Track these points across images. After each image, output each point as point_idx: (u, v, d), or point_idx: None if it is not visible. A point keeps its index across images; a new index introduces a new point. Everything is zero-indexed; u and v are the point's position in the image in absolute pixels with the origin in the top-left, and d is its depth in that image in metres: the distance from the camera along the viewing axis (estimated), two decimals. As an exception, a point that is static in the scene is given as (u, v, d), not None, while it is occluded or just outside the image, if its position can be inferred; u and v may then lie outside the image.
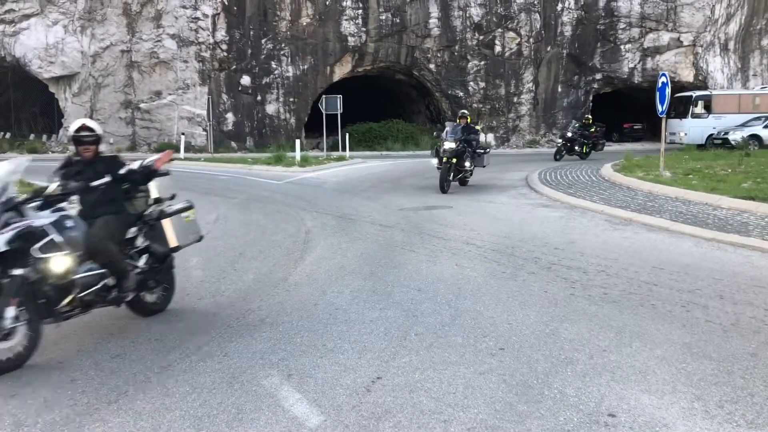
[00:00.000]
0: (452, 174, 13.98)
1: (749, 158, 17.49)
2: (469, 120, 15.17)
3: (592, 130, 24.74)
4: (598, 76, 33.90)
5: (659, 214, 10.02)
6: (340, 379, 4.07)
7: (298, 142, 24.19)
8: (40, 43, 28.22)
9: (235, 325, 5.22)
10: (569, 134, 23.99)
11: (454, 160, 13.87)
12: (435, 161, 14.60)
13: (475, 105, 32.58)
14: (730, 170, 14.79)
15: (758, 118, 26.27)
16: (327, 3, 29.98)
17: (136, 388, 4.01)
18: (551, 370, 4.16)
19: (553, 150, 25.23)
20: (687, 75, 33.05)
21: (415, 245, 8.29)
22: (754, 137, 24.87)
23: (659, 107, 14.73)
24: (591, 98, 34.63)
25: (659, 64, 32.55)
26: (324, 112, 26.64)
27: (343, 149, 26.86)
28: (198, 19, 28.78)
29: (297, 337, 4.87)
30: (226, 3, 29.04)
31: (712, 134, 26.54)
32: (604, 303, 5.60)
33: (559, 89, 33.78)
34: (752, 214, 9.59)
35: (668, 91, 14.57)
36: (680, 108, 27.26)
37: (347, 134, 27.51)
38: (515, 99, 33.15)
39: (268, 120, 30.36)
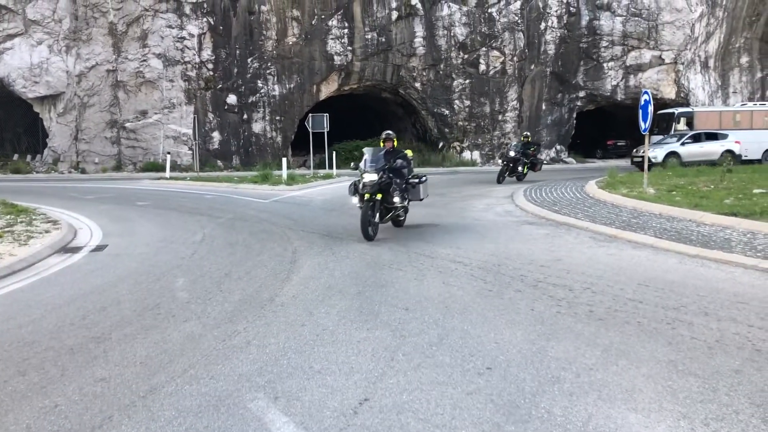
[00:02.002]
0: (378, 214, 10.25)
1: (731, 174, 17.71)
2: (395, 143, 11.20)
3: (532, 149, 23.02)
4: (582, 93, 34.30)
5: (644, 230, 10.10)
6: (327, 402, 4.05)
7: (284, 160, 24.22)
8: (25, 63, 28.14)
9: (222, 347, 5.18)
10: (512, 153, 22.17)
11: (379, 196, 10.15)
12: (355, 200, 10.80)
13: (460, 123, 32.85)
14: (712, 186, 14.96)
15: (674, 135, 26.83)
16: (313, 22, 30.18)
17: (121, 413, 3.96)
18: (538, 389, 4.17)
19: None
20: (669, 92, 33.53)
21: (402, 264, 8.30)
22: (673, 154, 25.30)
23: (642, 124, 14.92)
24: (575, 115, 35.02)
25: (642, 82, 33.01)
26: (311, 130, 26.72)
27: (330, 167, 26.90)
28: (184, 38, 28.85)
29: (284, 359, 4.84)
30: (212, 23, 29.15)
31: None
32: (590, 321, 5.63)
33: (543, 107, 34.14)
34: (734, 230, 9.70)
35: (651, 108, 14.77)
36: (663, 125, 27.62)
37: (334, 152, 27.58)
38: (500, 117, 33.43)
39: (254, 138, 30.39)
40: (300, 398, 4.11)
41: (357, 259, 8.78)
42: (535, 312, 5.94)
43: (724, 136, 26.34)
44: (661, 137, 27.39)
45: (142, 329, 5.70)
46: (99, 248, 10.04)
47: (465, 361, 4.70)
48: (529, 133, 24.51)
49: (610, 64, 33.58)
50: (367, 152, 10.58)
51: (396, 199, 10.32)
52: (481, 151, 33.41)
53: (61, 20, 28.40)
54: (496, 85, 33.03)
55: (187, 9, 28.80)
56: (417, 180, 11.22)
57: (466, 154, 33.30)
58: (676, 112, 27.98)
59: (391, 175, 10.31)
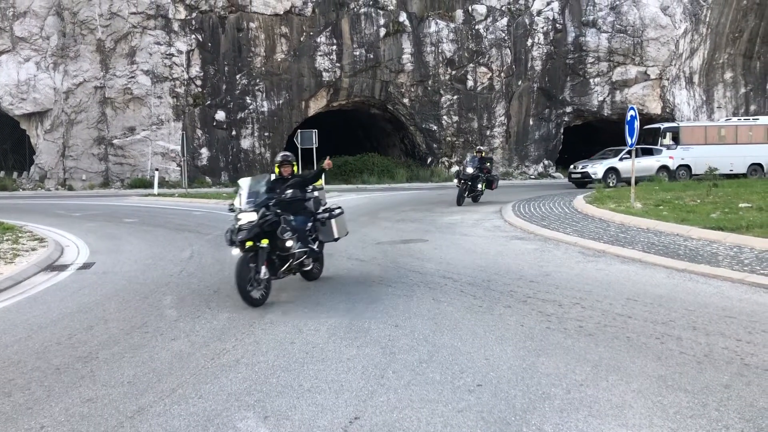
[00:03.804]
0: (264, 268, 8.16)
1: (717, 189, 17.87)
2: (295, 168, 9.76)
3: (487, 164, 20.70)
4: (569, 109, 34.61)
5: (632, 245, 10.16)
6: (317, 420, 4.02)
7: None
8: (12, 80, 28.03)
9: (211, 365, 5.14)
10: (470, 170, 19.05)
11: (265, 243, 7.71)
12: (235, 251, 10.66)
13: (448, 138, 33.01)
14: (699, 201, 15.09)
15: (612, 151, 27.09)
16: (301, 39, 30.33)
17: (108, 434, 3.91)
18: (529, 406, 4.16)
19: (525, 182, 25.40)
20: (655, 107, 33.88)
21: (391, 280, 8.29)
22: (612, 170, 25.52)
23: (629, 139, 15.05)
24: (562, 131, 35.29)
25: (628, 97, 33.37)
26: (299, 146, 26.73)
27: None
28: (172, 55, 28.88)
29: (273, 377, 4.81)
30: (201, 39, 29.21)
31: (680, 165, 27.22)
32: (579, 336, 5.64)
33: (531, 122, 34.40)
34: (721, 244, 9.77)
35: (637, 124, 14.91)
36: (649, 139, 27.87)
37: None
38: (488, 132, 33.64)
39: (243, 155, 30.37)
40: (290, 417, 4.08)
41: (346, 275, 8.76)
42: (525, 328, 5.94)
43: (659, 152, 26.63)
44: (599, 153, 27.70)
45: (130, 348, 5.65)
46: (86, 266, 9.95)
47: (455, 378, 4.69)
48: (482, 147, 22.49)
49: (597, 79, 33.94)
50: (243, 184, 7.68)
51: (289, 244, 7.30)
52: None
53: (48, 37, 28.35)
54: (483, 100, 33.27)
55: (176, 26, 28.86)
56: (328, 214, 8.50)
57: (455, 170, 33.41)
58: (662, 127, 28.25)
59: (279, 211, 7.41)
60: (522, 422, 3.92)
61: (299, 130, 27.61)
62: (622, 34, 33.24)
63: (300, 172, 9.47)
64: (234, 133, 30.07)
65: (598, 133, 37.01)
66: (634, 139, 15.00)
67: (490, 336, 5.71)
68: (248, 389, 4.58)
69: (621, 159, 25.79)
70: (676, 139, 27.51)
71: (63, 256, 10.94)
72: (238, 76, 29.77)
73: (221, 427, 3.96)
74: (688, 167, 27.23)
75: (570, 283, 7.84)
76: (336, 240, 8.62)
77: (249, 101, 30.04)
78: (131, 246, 11.97)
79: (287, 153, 8.61)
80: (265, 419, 4.06)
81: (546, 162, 35.08)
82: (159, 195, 25.19)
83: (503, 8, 33.24)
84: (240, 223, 7.16)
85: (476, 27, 32.71)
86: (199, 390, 4.60)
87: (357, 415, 4.07)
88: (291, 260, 7.55)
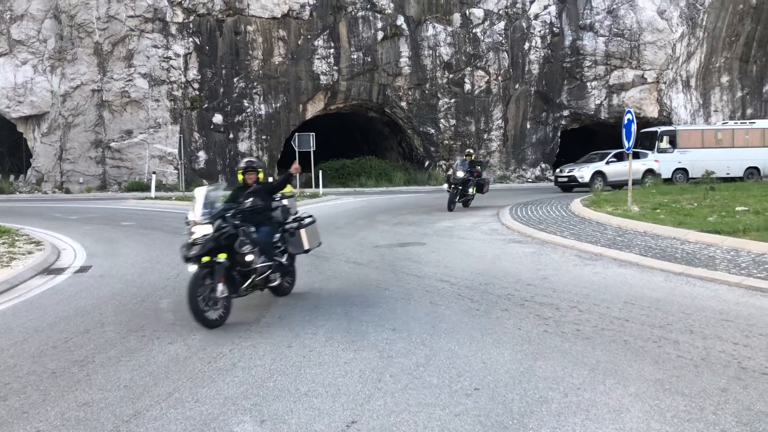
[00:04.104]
0: (221, 285, 7.33)
1: (714, 192, 17.90)
2: (260, 175, 9.28)
3: (478, 168, 19.98)
4: (566, 112, 34.66)
5: (629, 248, 10.17)
6: (314, 425, 4.01)
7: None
8: (9, 83, 27.99)
9: (207, 369, 5.13)
10: (460, 174, 18.35)
11: (222, 257, 6.90)
12: (192, 267, 12.35)
13: (446, 141, 33.03)
14: (696, 204, 15.11)
15: (597, 154, 27.05)
16: (299, 42, 30.35)
17: (104, 439, 3.90)
18: (526, 409, 4.15)
19: (522, 185, 25.28)
20: (652, 111, 33.95)
21: (389, 283, 8.28)
22: (599, 174, 25.41)
23: (626, 143, 15.08)
24: (559, 134, 35.34)
25: (625, 101, 33.42)
26: (297, 149, 26.73)
27: (317, 186, 26.90)
28: (170, 58, 28.87)
29: (270, 381, 4.80)
30: (198, 42, 29.21)
31: (677, 168, 27.26)
32: (577, 340, 5.64)
33: (528, 126, 34.44)
34: (718, 248, 9.78)
35: (634, 127, 14.94)
36: (646, 143, 27.92)
37: (320, 171, 27.59)
38: (485, 135, 33.68)
39: (240, 158, 30.30)
40: (287, 421, 4.07)
41: (344, 279, 8.75)
42: (522, 331, 5.94)
43: (645, 155, 26.40)
44: (584, 157, 27.64)
45: (127, 352, 5.63)
46: (83, 269, 9.93)
47: (453, 382, 4.68)
48: (472, 150, 21.45)
49: (594, 83, 34.00)
50: (199, 194, 6.85)
51: (249, 258, 6.64)
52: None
53: (46, 40, 28.32)
54: (481, 104, 33.31)
55: (173, 29, 28.85)
56: (297, 224, 7.89)
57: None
58: (659, 130, 28.31)
59: (237, 222, 6.78)
60: (519, 426, 3.91)
61: (297, 134, 27.59)
62: (619, 38, 33.32)
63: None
64: (231, 136, 30.05)
65: (595, 137, 37.08)
66: (631, 143, 15.03)
67: (487, 339, 5.71)
68: (245, 393, 4.57)
69: (607, 162, 25.72)
70: (673, 143, 27.57)
71: (59, 260, 10.91)
72: (235, 80, 29.77)
73: (218, 431, 3.95)
74: (685, 171, 27.29)
75: (567, 286, 7.84)
76: (307, 251, 7.94)
77: (246, 104, 30.04)
78: (128, 249, 11.95)
79: (252, 159, 8.02)
80: (261, 423, 4.05)
81: (543, 165, 35.12)
82: (156, 198, 25.15)
83: (500, 12, 33.31)
84: (194, 237, 6.49)
85: (474, 31, 32.76)
86: (196, 394, 4.58)
87: (354, 419, 4.06)
88: (253, 276, 6.84)
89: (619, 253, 9.83)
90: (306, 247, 7.79)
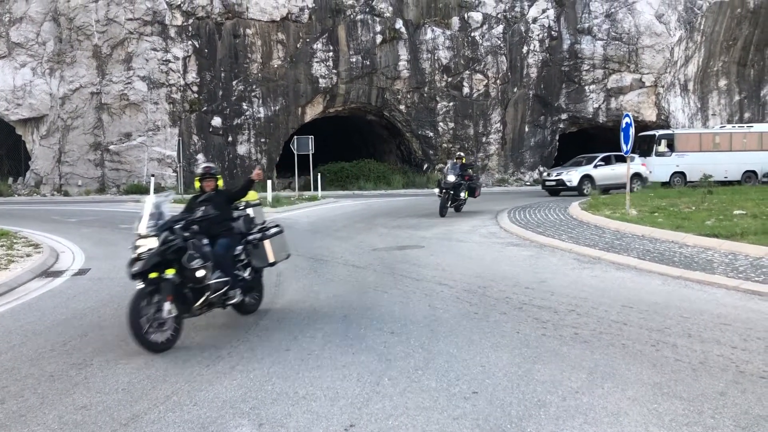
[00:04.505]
0: (168, 304, 6.39)
1: (712, 196, 17.93)
2: (220, 182, 8.55)
3: (469, 171, 19.70)
4: (564, 116, 34.70)
5: (627, 252, 10.18)
6: (312, 428, 4.01)
7: (269, 182, 24.16)
8: (8, 86, 28.00)
9: (206, 372, 5.12)
10: (452, 177, 17.78)
11: (170, 273, 6.04)
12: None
13: (444, 145, 33.06)
14: (694, 208, 15.13)
15: (584, 158, 27.02)
16: (298, 45, 30.38)
17: (102, 442, 3.89)
18: (525, 413, 4.15)
19: (520, 189, 25.14)
20: (650, 114, 34.00)
21: (388, 286, 8.28)
22: (587, 177, 25.37)
23: (624, 147, 15.10)
24: (557, 137, 35.37)
25: (623, 104, 33.48)
26: (296, 152, 26.74)
27: (316, 189, 26.90)
28: (169, 61, 28.88)
29: (268, 384, 4.80)
30: (197, 45, 29.24)
31: (675, 172, 27.27)
32: (575, 343, 5.64)
33: (526, 129, 34.48)
34: (716, 251, 9.79)
35: (632, 131, 14.95)
36: (644, 147, 27.96)
37: (319, 174, 27.60)
38: (484, 139, 33.72)
39: (239, 161, 30.35)
40: (285, 425, 4.07)
41: (342, 282, 8.75)
42: (520, 335, 5.94)
43: (632, 159, 26.19)
44: (571, 161, 27.61)
45: (125, 355, 5.63)
46: (81, 272, 9.92)
47: (451, 386, 4.68)
48: (462, 153, 21.12)
49: (592, 87, 34.05)
50: (146, 204, 6.27)
51: (200, 273, 5.93)
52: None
53: (45, 43, 28.34)
54: (479, 107, 33.35)
55: (172, 32, 28.87)
56: (261, 234, 7.13)
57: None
58: (657, 134, 28.35)
59: (187, 234, 6.11)
60: (518, 430, 3.91)
61: (295, 137, 27.60)
62: (617, 42, 33.38)
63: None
64: (230, 139, 30.06)
65: (593, 140, 37.10)
66: (629, 147, 15.05)
67: (485, 343, 5.71)
68: (243, 396, 4.57)
69: (595, 166, 25.68)
70: (671, 147, 27.61)
71: (58, 262, 10.90)
72: (234, 82, 29.79)
73: (216, 434, 3.95)
74: (683, 174, 27.32)
75: (565, 290, 7.84)
76: (272, 265, 7.19)
77: (245, 107, 30.06)
78: (127, 252, 11.90)
79: (210, 165, 7.24)
80: (259, 426, 4.05)
81: (541, 169, 35.11)
82: (155, 201, 25.08)
83: (499, 16, 33.36)
84: (138, 251, 5.88)
85: (472, 34, 32.81)
86: (194, 397, 4.58)
87: (352, 423, 4.06)
88: (207, 293, 6.11)
89: (617, 257, 9.84)
90: (271, 259, 7.06)
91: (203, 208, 6.66)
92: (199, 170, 7.05)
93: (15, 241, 12.50)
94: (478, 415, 4.13)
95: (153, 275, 5.78)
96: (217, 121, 29.73)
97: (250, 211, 7.28)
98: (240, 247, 6.85)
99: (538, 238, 12.33)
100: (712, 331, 5.91)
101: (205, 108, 29.58)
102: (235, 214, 7.03)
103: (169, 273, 5.84)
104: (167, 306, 5.75)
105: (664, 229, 11.83)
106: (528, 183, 34.15)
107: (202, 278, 5.94)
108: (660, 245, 10.69)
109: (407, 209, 20.28)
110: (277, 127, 30.68)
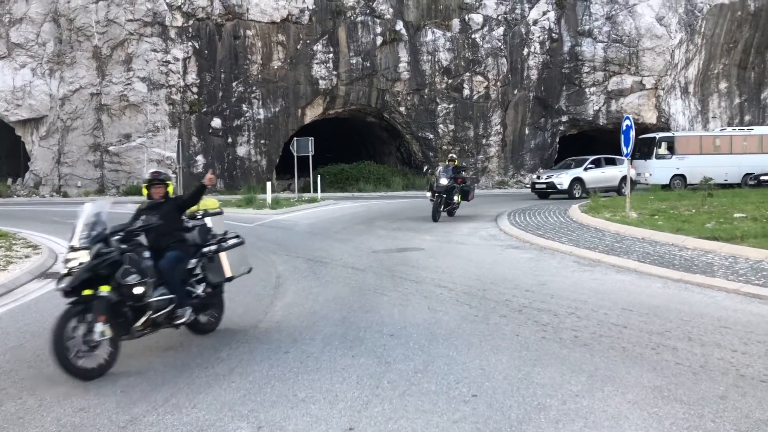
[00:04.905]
0: (99, 326, 5.45)
1: (712, 199, 17.92)
2: (170, 189, 7.48)
3: (462, 173, 18.96)
4: (564, 118, 34.70)
5: (627, 255, 10.16)
6: (311, 431, 3.99)
7: (269, 184, 24.15)
8: (7, 86, 28.00)
9: (204, 375, 5.11)
10: (444, 181, 17.01)
11: (105, 290, 5.26)
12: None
13: (444, 147, 33.05)
14: (694, 210, 15.12)
15: (573, 160, 26.99)
16: (298, 47, 30.38)
17: (100, 445, 3.88)
18: (524, 417, 4.14)
19: (521, 191, 25.09)
20: (650, 117, 34.01)
21: (387, 289, 8.26)
22: (578, 180, 25.27)
23: (624, 149, 15.09)
24: (558, 140, 35.37)
25: (623, 107, 33.48)
26: (295, 154, 26.73)
27: (315, 191, 26.89)
28: (169, 62, 28.89)
29: (267, 387, 4.78)
30: (197, 47, 29.24)
31: (675, 174, 27.28)
32: (575, 346, 5.62)
33: (527, 131, 34.48)
34: (716, 254, 9.78)
35: (632, 133, 14.94)
36: (644, 149, 27.96)
37: (319, 176, 27.59)
38: (484, 141, 33.71)
39: (238, 162, 30.36)
40: (284, 428, 4.05)
41: (341, 284, 8.73)
42: (520, 337, 5.93)
43: (622, 161, 25.51)
44: (561, 164, 27.63)
45: (123, 357, 5.59)
46: (80, 273, 9.88)
47: (451, 389, 4.66)
48: (454, 155, 20.41)
49: (592, 89, 34.06)
50: (84, 211, 5.52)
51: (137, 290, 5.28)
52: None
53: (44, 44, 28.35)
54: (479, 109, 33.35)
55: (172, 33, 28.88)
56: (217, 246, 6.38)
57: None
58: (657, 136, 28.36)
59: (124, 247, 5.48)
60: (517, 433, 3.90)
61: (295, 138, 27.59)
62: (617, 44, 33.39)
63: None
64: (230, 140, 30.06)
65: (593, 143, 37.11)
66: (629, 149, 15.04)
67: (485, 346, 5.69)
68: (242, 399, 4.55)
69: (586, 169, 25.61)
70: (671, 149, 27.60)
71: (57, 264, 10.87)
72: (234, 84, 29.79)
73: (214, 437, 3.93)
74: (683, 177, 27.32)
75: (565, 292, 7.83)
76: (230, 280, 6.43)
77: (245, 109, 30.06)
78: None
79: (158, 170, 6.51)
80: (258, 429, 4.03)
81: (541, 171, 35.15)
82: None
83: (499, 18, 33.37)
84: (69, 265, 5.22)
85: (473, 36, 32.82)
86: (193, 400, 4.56)
87: (351, 426, 4.05)
88: (149, 312, 5.45)
89: (617, 260, 9.83)
90: (228, 274, 6.34)
91: (144, 217, 5.98)
92: (146, 175, 6.42)
93: (14, 242, 12.49)
94: (477, 419, 4.12)
95: (87, 292, 5.14)
96: (216, 122, 29.73)
97: (208, 220, 6.58)
98: (194, 261, 6.16)
99: (538, 241, 12.32)
100: (713, 334, 5.90)
101: (204, 109, 29.58)
102: (190, 224, 6.39)
103: (104, 290, 5.18)
104: (99, 327, 5.09)
105: (664, 232, 11.81)
106: (528, 185, 34.15)
107: (140, 296, 5.29)
108: (660, 248, 10.68)
109: (407, 211, 20.27)
110: (277, 128, 30.68)
